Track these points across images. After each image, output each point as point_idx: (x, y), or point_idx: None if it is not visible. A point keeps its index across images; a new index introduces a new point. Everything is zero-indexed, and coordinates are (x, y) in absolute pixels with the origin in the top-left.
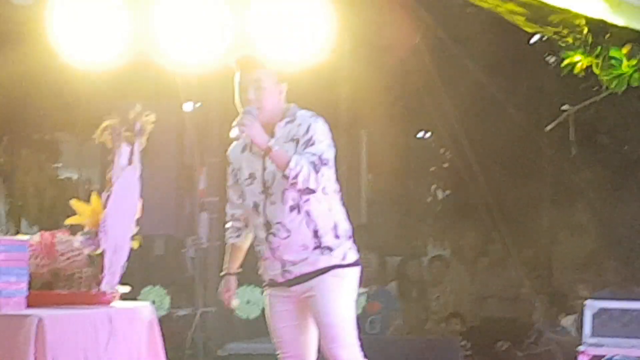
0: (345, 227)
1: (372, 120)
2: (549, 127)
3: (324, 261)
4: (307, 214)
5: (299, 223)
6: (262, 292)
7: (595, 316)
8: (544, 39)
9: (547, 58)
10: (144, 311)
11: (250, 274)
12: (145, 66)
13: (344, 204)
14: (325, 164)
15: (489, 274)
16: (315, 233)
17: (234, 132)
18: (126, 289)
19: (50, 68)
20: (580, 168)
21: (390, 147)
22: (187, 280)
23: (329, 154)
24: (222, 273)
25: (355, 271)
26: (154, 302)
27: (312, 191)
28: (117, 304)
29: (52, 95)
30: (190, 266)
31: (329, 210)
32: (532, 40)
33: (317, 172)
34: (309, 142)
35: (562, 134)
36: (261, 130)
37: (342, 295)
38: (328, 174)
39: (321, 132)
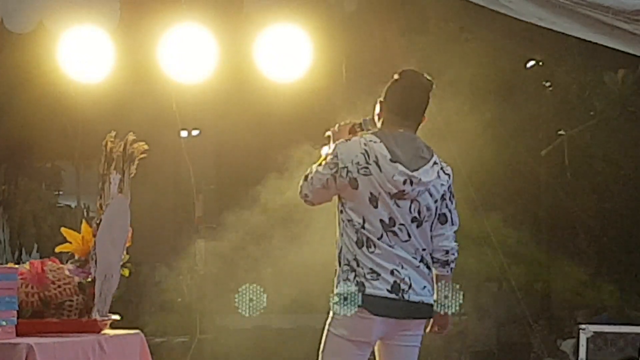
0: (346, 256)
1: None
2: (544, 152)
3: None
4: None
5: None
6: None
7: (590, 340)
8: (540, 63)
9: (543, 83)
10: (135, 338)
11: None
12: (143, 94)
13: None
14: (311, 176)
15: (488, 298)
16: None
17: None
18: (116, 317)
19: (49, 96)
20: (577, 193)
21: None
22: (184, 307)
23: (323, 172)
24: None
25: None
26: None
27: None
28: (108, 331)
29: (52, 123)
30: (187, 293)
31: (340, 235)
32: (529, 65)
33: (305, 179)
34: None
35: (558, 159)
36: (332, 140)
37: (325, 333)
38: (342, 198)
39: (331, 150)
